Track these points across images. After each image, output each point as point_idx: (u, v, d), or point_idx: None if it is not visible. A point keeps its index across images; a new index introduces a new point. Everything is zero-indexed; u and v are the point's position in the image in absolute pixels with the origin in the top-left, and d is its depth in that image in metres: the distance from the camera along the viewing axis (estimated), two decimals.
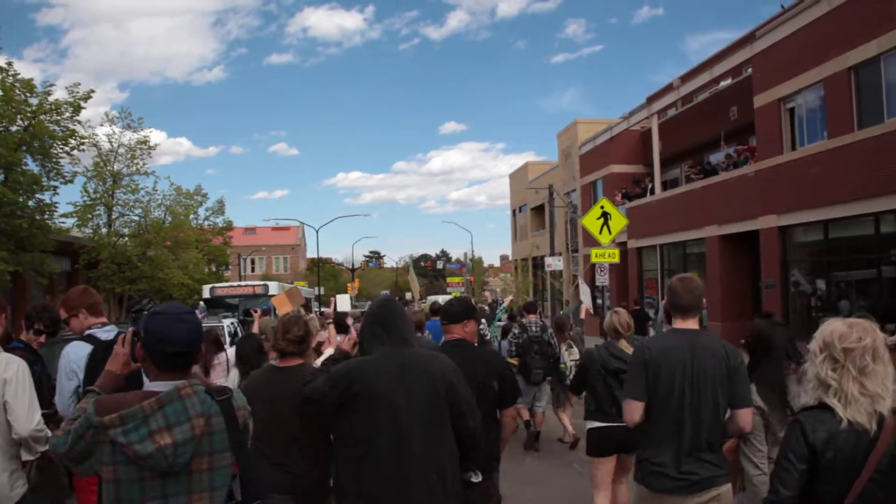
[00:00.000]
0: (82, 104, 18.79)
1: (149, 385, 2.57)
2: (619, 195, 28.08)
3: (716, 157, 24.03)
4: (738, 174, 19.99)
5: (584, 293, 13.84)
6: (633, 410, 3.77)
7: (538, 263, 39.94)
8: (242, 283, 24.28)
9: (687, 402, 3.65)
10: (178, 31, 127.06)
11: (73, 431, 2.45)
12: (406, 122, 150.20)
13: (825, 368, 2.65)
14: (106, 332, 4.37)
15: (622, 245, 24.78)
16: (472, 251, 64.80)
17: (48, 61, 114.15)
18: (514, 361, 9.66)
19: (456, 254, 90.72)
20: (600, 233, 14.69)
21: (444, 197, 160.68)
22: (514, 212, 47.92)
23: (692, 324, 3.85)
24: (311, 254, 68.09)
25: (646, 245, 26.10)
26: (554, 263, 21.65)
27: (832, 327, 2.72)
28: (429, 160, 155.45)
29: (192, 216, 36.77)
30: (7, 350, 4.04)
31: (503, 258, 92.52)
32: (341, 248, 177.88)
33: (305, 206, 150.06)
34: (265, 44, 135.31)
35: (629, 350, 5.65)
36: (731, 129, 22.67)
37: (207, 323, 17.22)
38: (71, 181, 19.53)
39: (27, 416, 3.59)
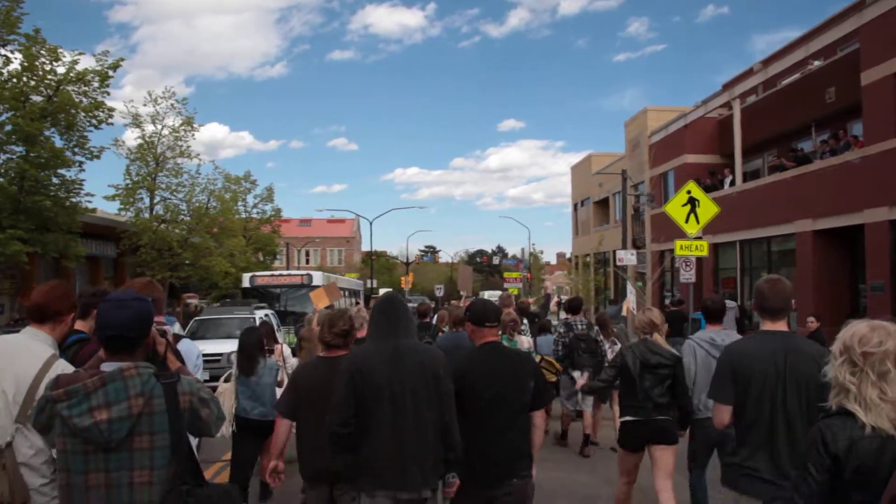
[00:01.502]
0: (110, 73, 17.39)
1: (101, 366, 2.72)
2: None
3: (806, 146, 21.65)
4: (840, 161, 17.62)
5: (631, 291, 13.73)
6: (722, 414, 3.82)
7: (601, 259, 37.69)
8: (284, 272, 22.75)
9: (780, 406, 3.65)
10: (243, 28, 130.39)
11: (36, 404, 2.73)
12: (465, 120, 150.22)
13: (844, 372, 2.60)
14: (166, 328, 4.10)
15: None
16: (531, 246, 62.86)
17: (118, 56, 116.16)
18: (551, 361, 9.67)
19: (513, 250, 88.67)
20: (686, 222, 12.63)
21: (501, 194, 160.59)
22: (575, 206, 45.62)
23: (781, 326, 3.83)
24: (366, 247, 67.37)
25: (723, 241, 23.67)
26: (626, 258, 19.46)
27: (854, 330, 2.66)
28: (487, 157, 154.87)
29: (239, 203, 35.78)
30: (70, 343, 3.83)
31: (560, 256, 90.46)
32: (396, 242, 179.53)
33: (363, 200, 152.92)
34: (327, 40, 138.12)
35: (664, 345, 5.94)
36: (825, 114, 20.20)
37: (237, 314, 15.76)
38: (98, 156, 18.17)
39: None
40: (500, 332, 6.93)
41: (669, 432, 5.85)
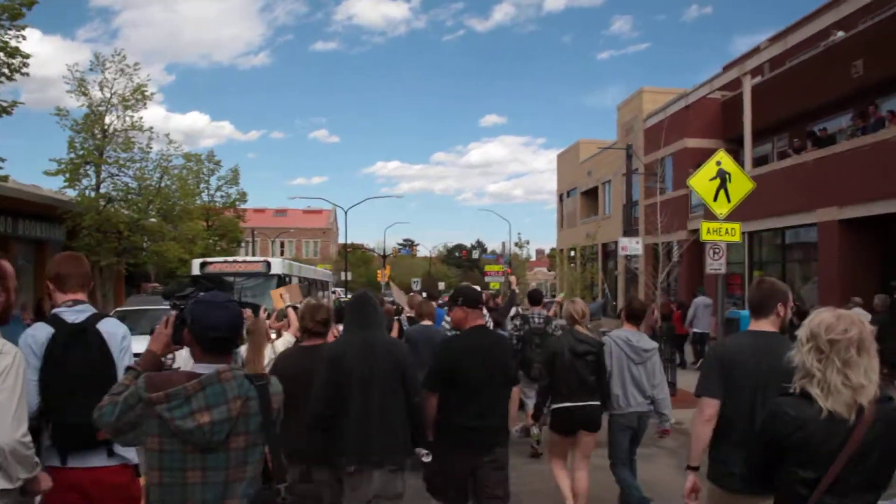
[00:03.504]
0: (24, 10, 14.63)
1: (193, 366, 2.76)
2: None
3: (828, 127, 19.52)
4: (874, 140, 15.43)
5: None
6: (709, 407, 3.83)
7: (590, 254, 35.38)
8: (240, 258, 20.19)
9: (759, 406, 3.65)
10: (227, 15, 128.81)
11: (121, 403, 2.66)
12: (447, 114, 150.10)
13: (811, 359, 2.71)
14: (75, 313, 3.68)
15: (692, 234, 20.32)
16: (517, 237, 60.90)
17: (100, 41, 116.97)
18: None
19: (492, 245, 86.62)
20: (715, 200, 10.35)
21: (481, 189, 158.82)
22: (560, 197, 43.28)
23: (763, 325, 3.87)
24: (343, 239, 65.08)
25: None
26: (630, 246, 17.06)
27: (820, 318, 2.76)
28: (468, 152, 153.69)
29: (202, 185, 33.12)
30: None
31: (539, 252, 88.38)
32: (374, 236, 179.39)
33: (343, 193, 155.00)
34: (311, 31, 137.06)
35: (589, 334, 6.35)
36: (850, 90, 18.05)
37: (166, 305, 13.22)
38: (9, 112, 15.47)
39: (11, 423, 2.89)
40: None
41: (594, 421, 6.17)
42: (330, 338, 5.12)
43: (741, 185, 10.33)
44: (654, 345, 6.67)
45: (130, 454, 3.66)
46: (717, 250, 10.65)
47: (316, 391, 4.37)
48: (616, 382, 6.27)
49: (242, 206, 34.95)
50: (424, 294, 15.14)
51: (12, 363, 2.97)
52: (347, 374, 4.36)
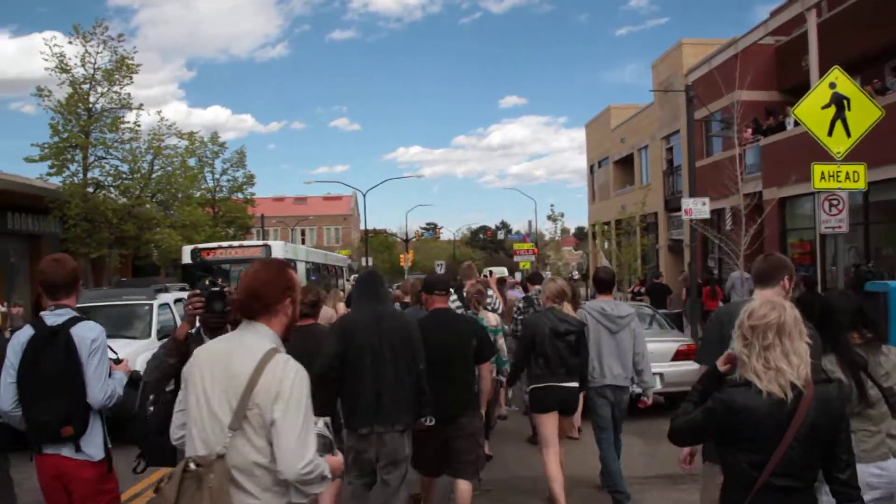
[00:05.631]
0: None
1: None
2: (749, 130, 20.86)
3: None
4: None
5: None
6: None
7: (625, 229, 32.46)
8: (236, 243, 17.72)
9: None
10: (244, 8, 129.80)
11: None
12: (466, 97, 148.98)
13: (739, 345, 2.85)
14: (55, 317, 3.93)
15: (753, 197, 17.63)
16: (537, 220, 58.50)
17: (119, 41, 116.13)
18: None
19: (517, 226, 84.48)
20: (830, 134, 7.78)
21: (503, 171, 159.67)
22: (591, 168, 40.46)
23: (768, 294, 3.81)
24: (364, 223, 63.09)
25: (792, 195, 18.71)
26: (696, 209, 14.30)
27: (749, 307, 2.90)
28: (489, 134, 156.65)
29: (206, 169, 30.84)
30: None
31: (564, 232, 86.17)
32: (397, 220, 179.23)
33: (365, 180, 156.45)
34: (328, 20, 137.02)
35: (572, 313, 6.26)
36: None
37: (127, 301, 10.82)
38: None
39: (295, 450, 2.65)
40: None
41: (571, 404, 6.10)
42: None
43: (865, 114, 7.76)
44: (631, 310, 6.54)
45: (94, 451, 3.91)
46: (834, 201, 8.03)
47: (322, 355, 4.78)
48: (593, 355, 6.22)
49: (252, 192, 32.63)
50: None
51: (294, 380, 2.75)
52: (359, 345, 4.76)
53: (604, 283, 6.67)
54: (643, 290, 29.24)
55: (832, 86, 7.81)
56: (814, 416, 2.71)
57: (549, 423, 6.09)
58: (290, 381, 2.70)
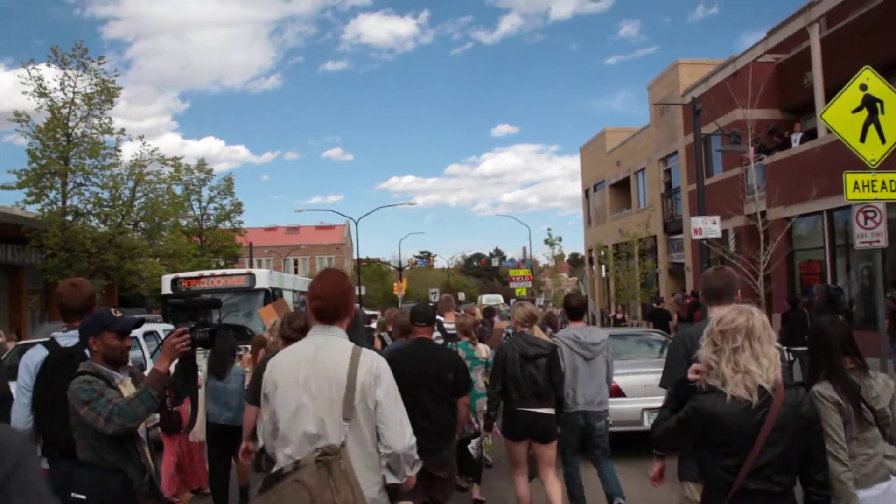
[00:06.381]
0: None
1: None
2: (752, 148, 20.24)
3: None
4: None
5: None
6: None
7: (625, 251, 31.68)
8: (218, 272, 16.88)
9: None
10: (237, 40, 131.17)
11: None
12: (459, 126, 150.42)
13: (708, 352, 2.87)
14: (67, 338, 4.08)
15: (749, 219, 16.88)
16: (531, 247, 57.83)
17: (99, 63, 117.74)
18: None
19: (510, 253, 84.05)
20: (863, 140, 7.05)
21: (496, 199, 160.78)
22: (586, 192, 39.86)
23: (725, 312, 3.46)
24: (356, 252, 62.03)
25: (801, 213, 18.02)
26: (705, 227, 13.51)
27: (719, 314, 2.95)
28: (481, 163, 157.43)
29: (192, 197, 30.04)
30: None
31: (558, 258, 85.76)
32: (390, 249, 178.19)
33: (358, 209, 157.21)
34: (321, 51, 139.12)
35: (544, 336, 6.42)
36: None
37: None
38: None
39: (402, 425, 3.12)
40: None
41: (547, 432, 5.94)
42: None
43: None
44: (604, 336, 6.49)
45: None
46: (870, 213, 7.28)
47: None
48: (568, 381, 6.16)
49: (240, 220, 31.81)
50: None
51: (387, 368, 3.16)
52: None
53: (575, 311, 6.57)
54: (622, 316, 28.49)
55: (863, 87, 7.11)
56: (784, 420, 2.77)
57: (518, 450, 6.05)
58: (383, 368, 3.11)
